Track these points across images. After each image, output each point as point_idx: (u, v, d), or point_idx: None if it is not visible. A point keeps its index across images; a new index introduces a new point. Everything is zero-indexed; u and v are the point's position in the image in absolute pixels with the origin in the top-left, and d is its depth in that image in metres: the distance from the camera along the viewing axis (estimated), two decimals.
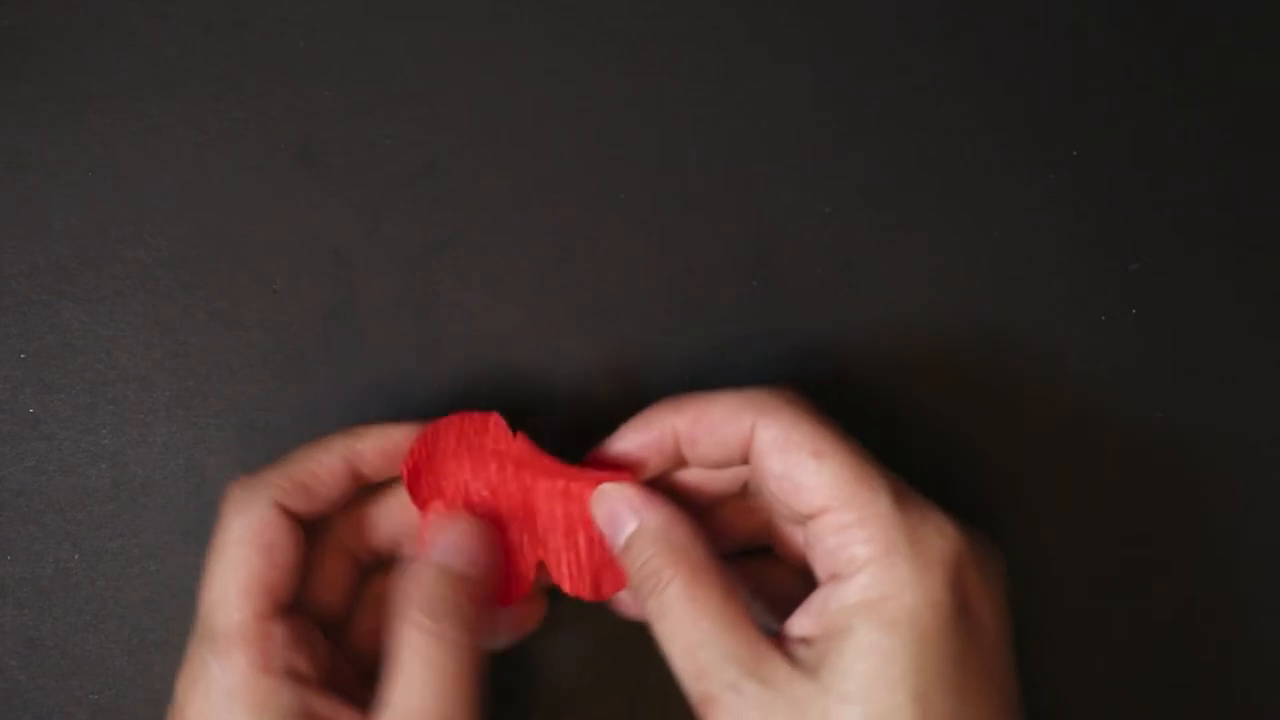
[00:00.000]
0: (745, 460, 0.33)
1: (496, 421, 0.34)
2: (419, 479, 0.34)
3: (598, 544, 0.34)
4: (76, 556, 0.38)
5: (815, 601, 0.31)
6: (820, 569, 0.31)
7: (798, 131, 0.39)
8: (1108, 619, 0.39)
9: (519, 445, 0.34)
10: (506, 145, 0.39)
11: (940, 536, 0.30)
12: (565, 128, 0.39)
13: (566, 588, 0.34)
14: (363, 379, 0.38)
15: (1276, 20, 0.39)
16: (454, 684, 0.30)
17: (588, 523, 0.34)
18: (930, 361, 0.39)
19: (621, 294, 0.39)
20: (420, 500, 0.34)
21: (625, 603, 0.35)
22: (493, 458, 0.34)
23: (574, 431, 0.38)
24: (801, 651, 0.30)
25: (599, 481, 0.34)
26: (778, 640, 0.31)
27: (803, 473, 0.31)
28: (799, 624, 0.31)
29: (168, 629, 0.38)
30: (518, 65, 0.39)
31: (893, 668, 0.28)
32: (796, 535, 0.34)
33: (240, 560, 0.31)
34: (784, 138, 0.39)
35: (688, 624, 0.31)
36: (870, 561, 0.29)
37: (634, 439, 0.34)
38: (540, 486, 0.34)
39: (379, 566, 0.35)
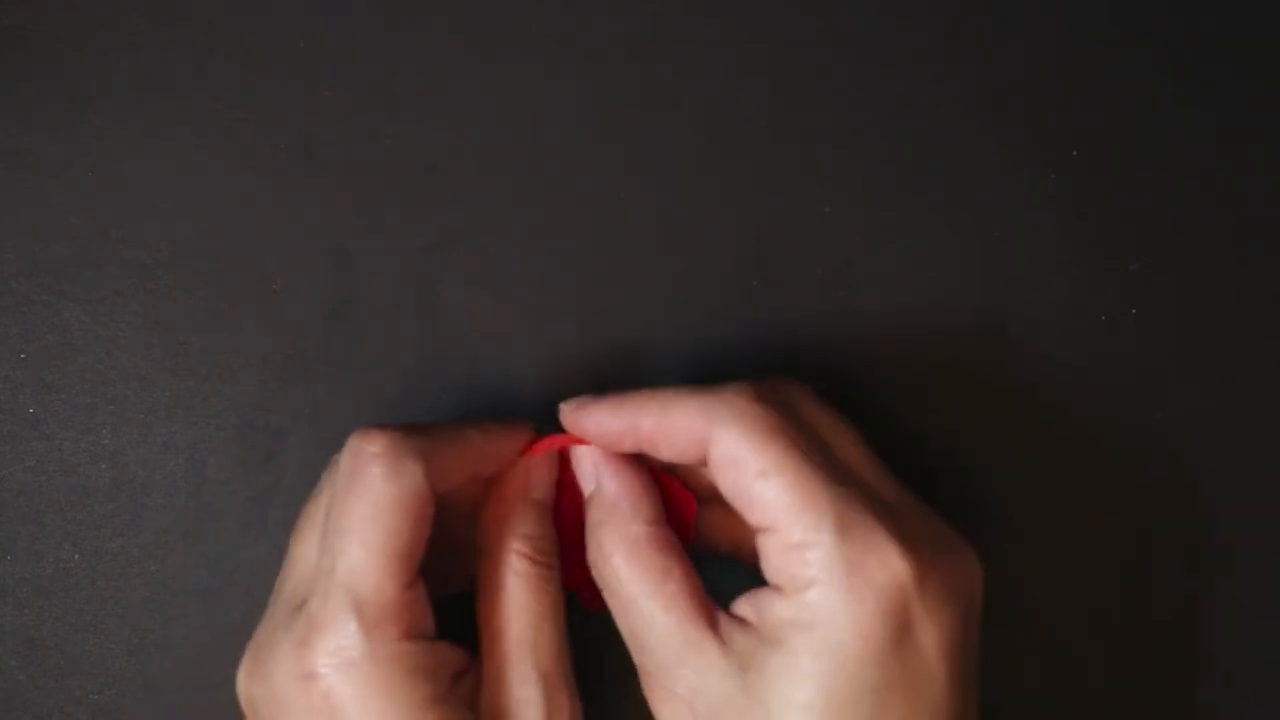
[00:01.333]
0: (703, 463, 0.33)
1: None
2: None
3: None
4: (76, 556, 0.38)
5: (758, 600, 0.31)
6: (767, 576, 0.31)
7: (798, 131, 0.39)
8: (1107, 619, 0.39)
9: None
10: (506, 145, 0.39)
11: (881, 568, 0.29)
12: (565, 128, 0.39)
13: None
14: (363, 379, 0.38)
15: (1277, 20, 0.39)
16: (558, 611, 0.32)
17: None
18: (930, 361, 0.39)
19: (621, 294, 0.39)
20: None
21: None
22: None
23: None
24: (738, 637, 0.30)
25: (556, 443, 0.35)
26: (719, 617, 0.31)
27: (749, 492, 0.31)
28: (743, 608, 0.31)
29: (168, 629, 0.38)
30: (518, 65, 0.39)
31: (805, 691, 0.29)
32: None
33: (394, 529, 0.30)
34: (784, 138, 0.39)
35: (628, 601, 0.31)
36: (809, 585, 0.30)
37: (602, 424, 0.33)
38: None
39: None
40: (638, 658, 0.32)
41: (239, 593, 0.38)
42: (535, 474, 0.34)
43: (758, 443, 0.31)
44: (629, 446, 0.33)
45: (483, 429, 0.34)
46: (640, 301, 0.39)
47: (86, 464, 0.38)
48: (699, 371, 0.38)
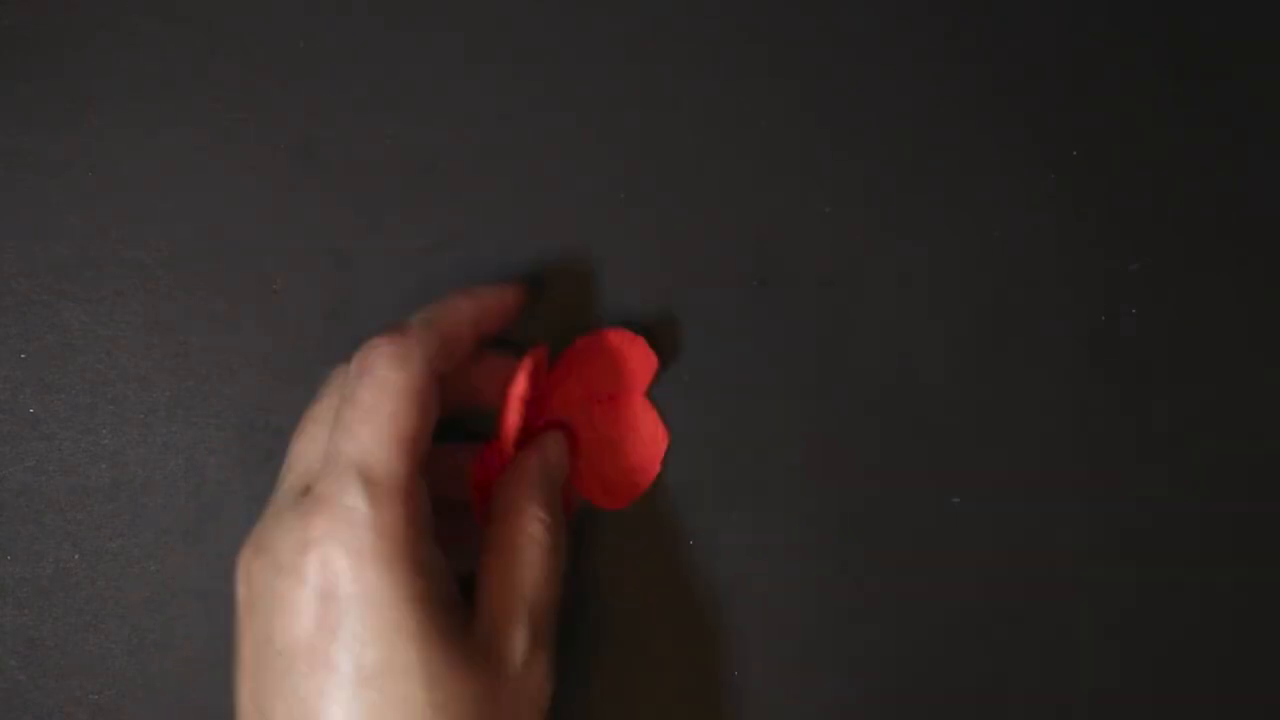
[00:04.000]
0: None
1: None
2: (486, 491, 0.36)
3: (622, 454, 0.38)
4: (76, 556, 0.38)
5: None
6: None
7: (798, 131, 0.39)
8: (1122, 617, 0.39)
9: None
10: (506, 145, 0.39)
11: None
12: (565, 127, 0.39)
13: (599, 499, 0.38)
14: None
15: (1277, 20, 0.39)
16: (560, 569, 0.34)
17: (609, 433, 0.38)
18: (930, 361, 0.39)
19: (622, 294, 0.39)
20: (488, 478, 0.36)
21: None
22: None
23: None
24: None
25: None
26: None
27: None
28: None
29: (168, 629, 0.38)
30: (518, 65, 0.39)
31: None
32: None
33: (401, 413, 0.31)
34: (784, 138, 0.39)
35: None
36: None
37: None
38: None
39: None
40: None
41: None
42: (552, 451, 0.36)
43: None
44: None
45: (479, 295, 0.35)
46: (640, 301, 0.39)
47: (86, 464, 0.38)
48: (700, 371, 0.38)
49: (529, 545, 0.33)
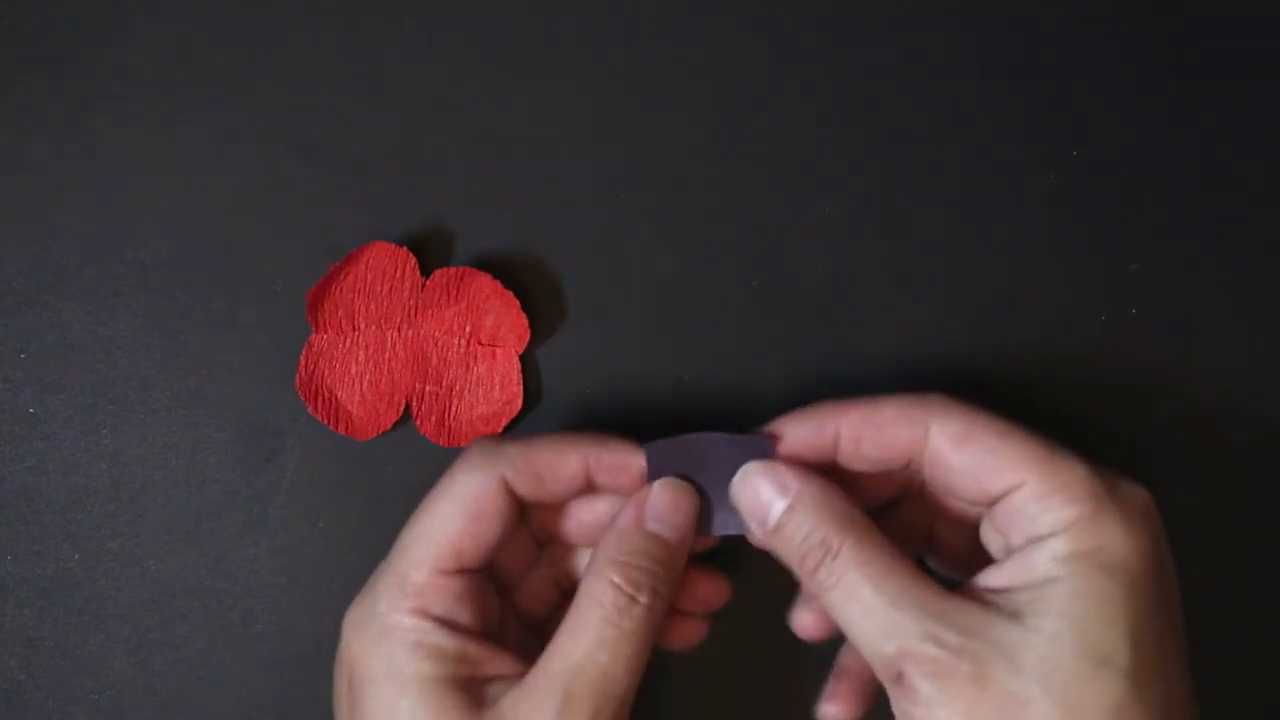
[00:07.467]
0: (905, 463, 0.33)
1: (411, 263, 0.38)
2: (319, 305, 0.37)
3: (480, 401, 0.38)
4: (76, 556, 0.38)
5: (1013, 560, 0.31)
6: (1016, 537, 0.32)
7: (798, 131, 0.39)
8: None
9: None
10: (505, 144, 0.39)
11: (1136, 495, 0.31)
12: (565, 127, 0.39)
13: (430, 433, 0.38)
14: None
15: (1276, 20, 0.39)
16: (628, 647, 0.31)
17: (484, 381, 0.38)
18: (930, 362, 0.39)
19: (622, 294, 0.39)
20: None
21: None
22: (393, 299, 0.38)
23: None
24: (998, 600, 0.30)
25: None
26: (965, 591, 0.31)
27: (992, 455, 0.32)
28: (992, 578, 0.31)
29: (168, 629, 0.38)
30: (518, 65, 0.39)
31: (1109, 608, 0.30)
32: (953, 535, 0.35)
33: (445, 517, 0.32)
34: (784, 138, 0.39)
35: (869, 586, 0.31)
36: (1079, 519, 0.30)
37: (792, 432, 0.34)
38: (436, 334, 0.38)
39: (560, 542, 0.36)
40: (886, 644, 0.30)
41: (239, 593, 0.38)
42: (655, 504, 0.33)
43: (987, 415, 0.32)
44: (813, 455, 0.33)
45: (605, 445, 0.34)
46: (640, 301, 0.39)
47: (86, 464, 0.38)
48: (699, 371, 0.38)
49: (587, 603, 0.31)
